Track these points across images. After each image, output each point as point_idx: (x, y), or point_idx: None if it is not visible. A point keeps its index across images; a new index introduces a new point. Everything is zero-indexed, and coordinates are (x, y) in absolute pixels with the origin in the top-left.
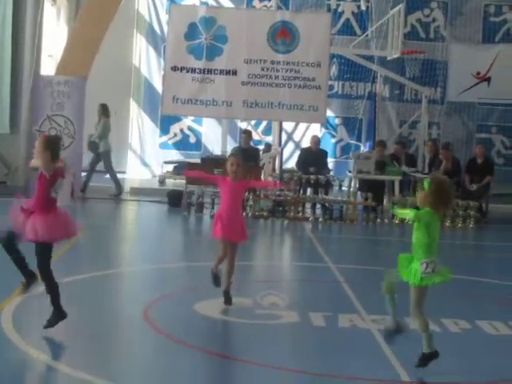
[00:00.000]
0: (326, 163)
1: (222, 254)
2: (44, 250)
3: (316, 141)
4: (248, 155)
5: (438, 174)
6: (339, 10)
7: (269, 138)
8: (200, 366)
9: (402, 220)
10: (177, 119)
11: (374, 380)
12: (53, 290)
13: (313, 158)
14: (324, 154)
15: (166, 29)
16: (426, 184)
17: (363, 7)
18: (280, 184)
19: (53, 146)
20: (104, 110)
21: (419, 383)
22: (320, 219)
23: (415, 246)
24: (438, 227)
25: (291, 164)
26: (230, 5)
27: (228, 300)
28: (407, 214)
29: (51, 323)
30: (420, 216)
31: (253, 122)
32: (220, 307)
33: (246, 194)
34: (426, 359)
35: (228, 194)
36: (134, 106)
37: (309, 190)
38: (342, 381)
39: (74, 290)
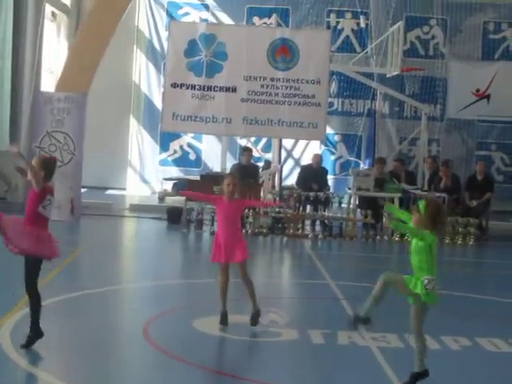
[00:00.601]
0: (326, 181)
1: (222, 278)
2: (32, 263)
3: (318, 160)
4: (248, 172)
5: (431, 196)
6: (339, 27)
7: (268, 155)
8: (198, 383)
9: (402, 237)
10: (176, 136)
11: None
12: (34, 306)
13: (313, 175)
14: (324, 171)
15: (165, 45)
16: (421, 207)
17: (363, 24)
18: (279, 202)
19: (48, 166)
20: None
21: None
22: (319, 236)
23: (417, 269)
24: (436, 248)
25: (291, 181)
26: (230, 22)
27: (254, 322)
28: (404, 227)
29: (30, 341)
30: (425, 236)
31: (252, 139)
32: (219, 324)
33: (246, 210)
34: (416, 378)
35: (224, 214)
36: (133, 123)
37: (308, 207)
38: None
39: (75, 307)
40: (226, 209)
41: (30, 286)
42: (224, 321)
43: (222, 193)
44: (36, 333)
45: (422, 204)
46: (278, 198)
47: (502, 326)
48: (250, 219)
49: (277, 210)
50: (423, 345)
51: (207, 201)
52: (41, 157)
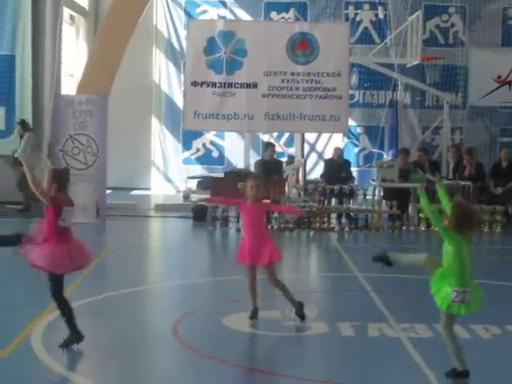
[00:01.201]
0: (350, 173)
1: (249, 280)
2: (53, 279)
3: (339, 154)
4: (271, 168)
5: (458, 197)
6: (357, 19)
7: (291, 150)
8: (230, 381)
9: (428, 226)
10: (199, 134)
11: None
12: (66, 314)
13: (337, 168)
14: (347, 163)
15: (184, 44)
16: (447, 209)
17: (381, 15)
18: (303, 214)
19: (60, 178)
20: (23, 126)
21: None
22: (346, 229)
23: (447, 272)
24: (467, 252)
25: (315, 175)
26: (248, 18)
27: (302, 316)
28: (427, 208)
29: (67, 343)
30: (450, 238)
31: (275, 135)
32: (248, 321)
33: None
34: (457, 376)
35: (248, 217)
36: (155, 123)
37: (333, 200)
38: None
39: (104, 308)
40: (250, 212)
41: (55, 297)
42: (254, 316)
43: (245, 195)
44: (75, 337)
45: (448, 206)
46: (300, 209)
47: None
48: (276, 214)
49: (302, 204)
50: (453, 345)
51: (232, 204)
52: (51, 170)
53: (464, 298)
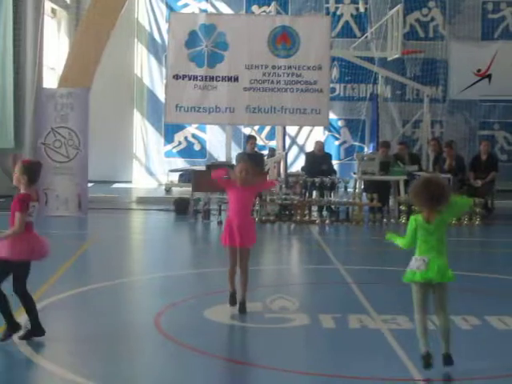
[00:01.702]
0: (331, 166)
1: (231, 261)
2: (16, 268)
3: (320, 147)
4: (253, 160)
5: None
6: (338, 12)
7: (273, 143)
8: (211, 372)
9: (408, 219)
10: (181, 127)
11: (386, 379)
12: (27, 306)
13: (318, 161)
14: (329, 157)
15: (166, 37)
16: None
17: (362, 9)
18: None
19: (30, 170)
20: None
21: (430, 381)
22: (327, 221)
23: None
24: (429, 229)
25: (296, 168)
26: (230, 11)
27: (243, 309)
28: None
29: (26, 337)
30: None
31: (256, 128)
32: (230, 313)
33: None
34: (422, 358)
35: (236, 200)
36: (137, 116)
37: (314, 193)
38: (354, 381)
39: (86, 300)
40: (239, 194)
41: (19, 288)
42: (233, 301)
43: (232, 180)
44: (36, 331)
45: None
46: (282, 187)
47: (511, 303)
48: (257, 207)
49: (283, 197)
50: (417, 326)
51: (224, 185)
52: (23, 161)
53: (420, 265)
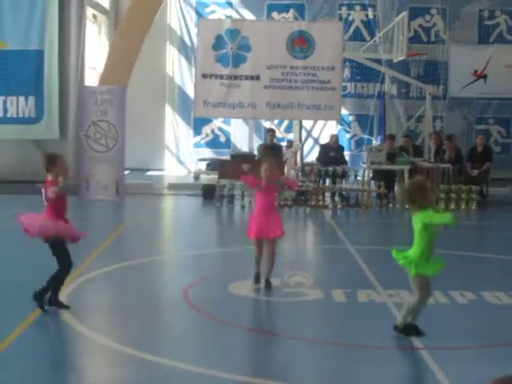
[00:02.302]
0: (343, 157)
1: (257, 253)
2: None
3: (335, 140)
4: (272, 151)
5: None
6: (350, 18)
7: (290, 135)
8: (234, 341)
9: None
10: (208, 121)
11: (390, 348)
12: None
13: (332, 152)
14: (341, 148)
15: (195, 40)
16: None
17: (371, 16)
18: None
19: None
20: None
21: (431, 349)
22: (338, 206)
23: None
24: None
25: (311, 158)
26: (252, 17)
27: (268, 285)
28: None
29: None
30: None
31: (276, 122)
32: (252, 288)
33: None
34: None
35: (262, 196)
36: (169, 111)
37: (328, 181)
38: (362, 350)
39: (123, 275)
40: (264, 191)
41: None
42: (257, 280)
43: (260, 176)
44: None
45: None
46: (299, 175)
47: (504, 280)
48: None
49: (300, 183)
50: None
51: (251, 186)
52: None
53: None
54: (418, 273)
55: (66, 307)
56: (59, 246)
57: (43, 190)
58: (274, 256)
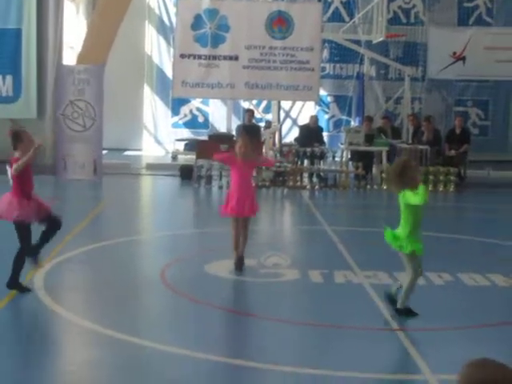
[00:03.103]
0: (322, 138)
1: (235, 231)
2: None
3: (314, 120)
4: (250, 131)
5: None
6: None
7: (269, 116)
8: (210, 321)
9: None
10: (186, 101)
11: (367, 328)
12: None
13: (311, 133)
14: (320, 129)
15: (174, 20)
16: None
17: None
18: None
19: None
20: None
21: (408, 330)
22: (316, 187)
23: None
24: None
25: (290, 138)
26: None
27: (240, 265)
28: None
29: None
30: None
31: (254, 102)
32: (228, 268)
33: None
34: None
35: (238, 173)
36: (147, 91)
37: (306, 161)
38: (339, 330)
39: (99, 255)
40: (240, 168)
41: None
42: (239, 265)
43: (233, 154)
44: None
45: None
46: (277, 156)
47: (481, 262)
48: (254, 173)
49: (277, 164)
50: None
51: (227, 162)
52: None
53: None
54: (413, 250)
55: (27, 290)
56: (21, 228)
57: (8, 168)
58: (247, 233)
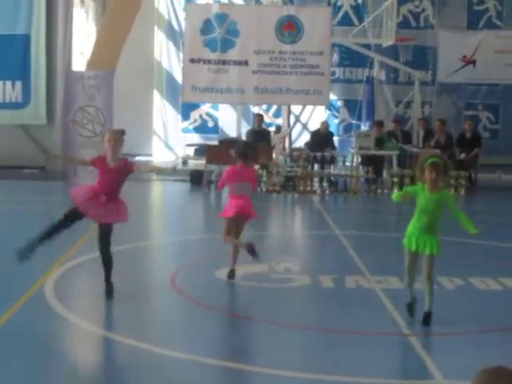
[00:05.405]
0: (332, 143)
1: (228, 230)
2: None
3: (325, 126)
4: (261, 136)
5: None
6: (338, 3)
7: (279, 121)
8: (220, 326)
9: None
10: (196, 106)
11: (378, 334)
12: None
13: (321, 139)
14: (331, 135)
15: (183, 25)
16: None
17: (360, 0)
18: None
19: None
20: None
21: (419, 335)
22: (327, 192)
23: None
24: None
25: (300, 143)
26: (241, 1)
27: (232, 276)
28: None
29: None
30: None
31: (264, 107)
32: (239, 273)
33: (260, 171)
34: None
35: (236, 180)
36: (157, 96)
37: (316, 166)
38: (350, 336)
39: None
40: (240, 174)
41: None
42: (232, 276)
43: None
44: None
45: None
46: (287, 160)
47: (492, 266)
48: (264, 178)
49: (288, 169)
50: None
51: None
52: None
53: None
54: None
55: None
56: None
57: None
58: (242, 245)
